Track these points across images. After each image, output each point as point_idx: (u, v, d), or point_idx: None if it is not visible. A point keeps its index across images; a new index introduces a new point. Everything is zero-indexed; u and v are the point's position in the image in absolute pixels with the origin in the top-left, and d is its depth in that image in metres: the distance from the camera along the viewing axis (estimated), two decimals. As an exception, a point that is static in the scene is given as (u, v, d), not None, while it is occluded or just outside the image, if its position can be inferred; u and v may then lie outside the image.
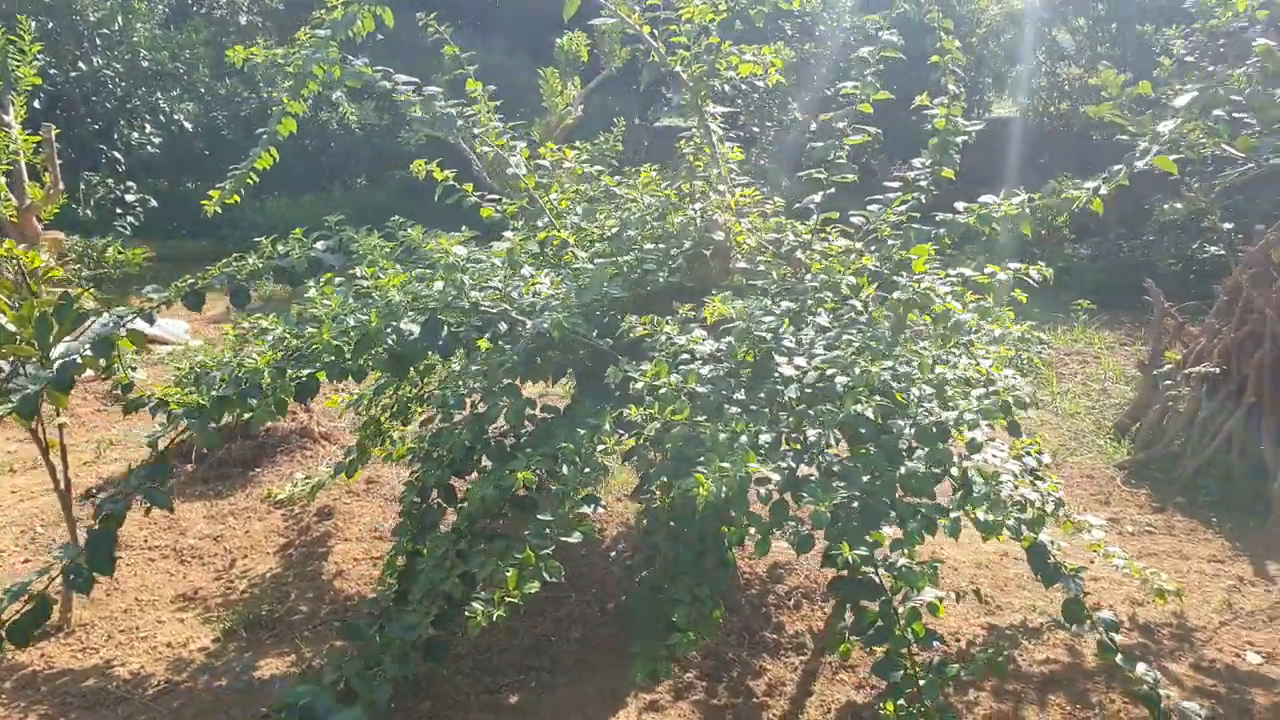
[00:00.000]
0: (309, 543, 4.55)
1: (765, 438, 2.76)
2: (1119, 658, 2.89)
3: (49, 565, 3.04)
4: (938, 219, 3.64)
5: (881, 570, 2.65)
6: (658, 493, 2.77)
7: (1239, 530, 5.03)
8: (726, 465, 2.54)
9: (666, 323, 3.12)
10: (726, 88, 3.80)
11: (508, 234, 3.56)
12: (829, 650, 3.60)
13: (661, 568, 3.13)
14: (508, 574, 2.74)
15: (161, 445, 3.05)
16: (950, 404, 2.96)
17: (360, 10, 4.25)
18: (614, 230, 3.68)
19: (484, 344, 3.19)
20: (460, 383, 3.31)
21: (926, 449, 2.81)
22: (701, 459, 2.61)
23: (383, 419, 4.47)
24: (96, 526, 2.99)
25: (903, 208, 3.75)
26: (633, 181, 4.52)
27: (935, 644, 2.50)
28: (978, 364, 3.20)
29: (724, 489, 2.47)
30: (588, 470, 2.91)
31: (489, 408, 3.23)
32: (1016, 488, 3.00)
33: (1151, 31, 13.74)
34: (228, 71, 14.16)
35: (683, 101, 3.78)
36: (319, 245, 3.36)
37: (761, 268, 3.68)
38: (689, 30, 3.68)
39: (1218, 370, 5.69)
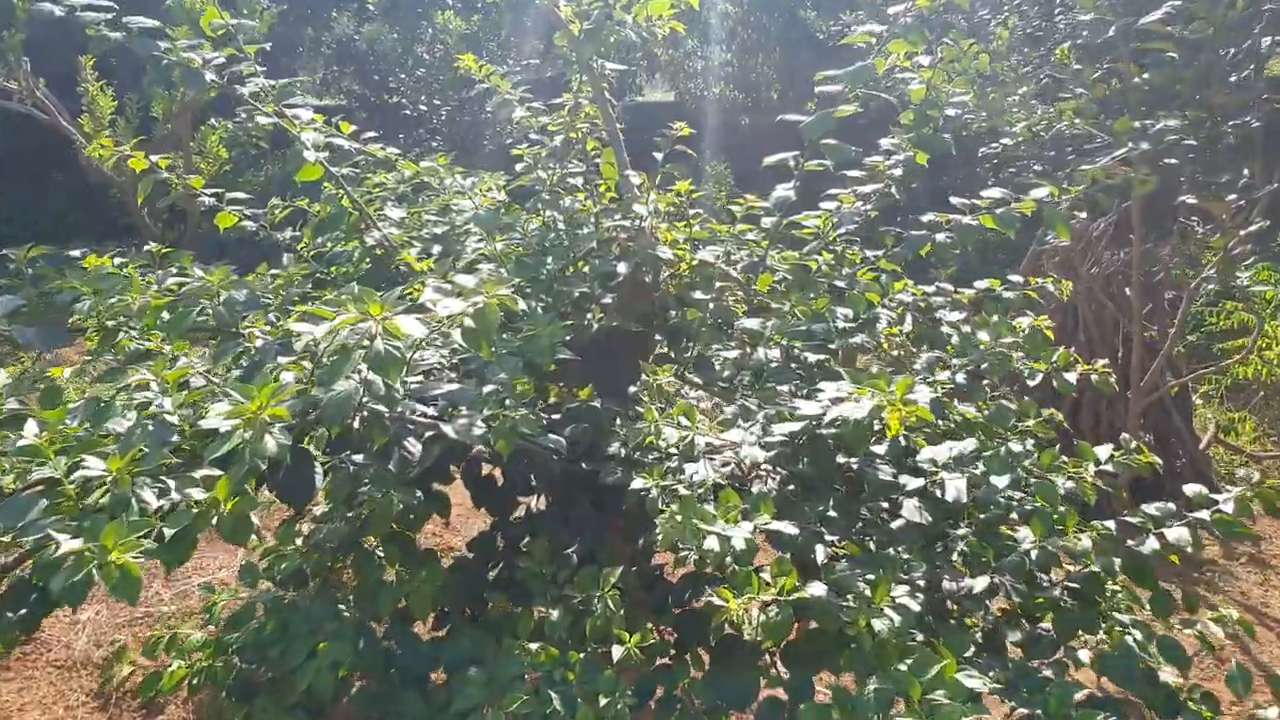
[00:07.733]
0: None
1: (905, 600, 1.67)
2: None
3: None
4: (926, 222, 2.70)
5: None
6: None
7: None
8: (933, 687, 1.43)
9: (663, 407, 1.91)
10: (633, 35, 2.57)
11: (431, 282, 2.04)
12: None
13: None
14: None
15: None
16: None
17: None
18: (522, 253, 2.34)
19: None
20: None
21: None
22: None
23: None
24: None
25: (865, 206, 2.76)
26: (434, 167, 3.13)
27: None
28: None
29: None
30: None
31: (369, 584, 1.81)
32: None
33: (814, 18, 14.06)
34: None
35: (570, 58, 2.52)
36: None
37: (708, 295, 2.54)
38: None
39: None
